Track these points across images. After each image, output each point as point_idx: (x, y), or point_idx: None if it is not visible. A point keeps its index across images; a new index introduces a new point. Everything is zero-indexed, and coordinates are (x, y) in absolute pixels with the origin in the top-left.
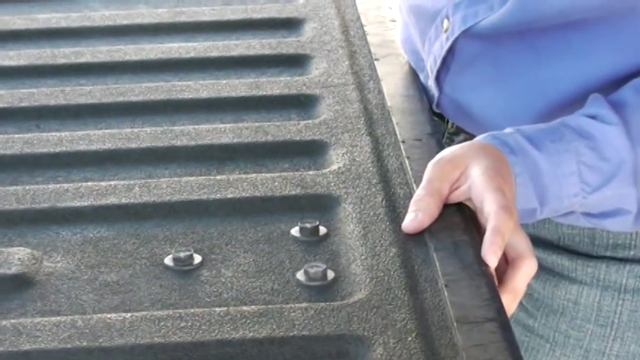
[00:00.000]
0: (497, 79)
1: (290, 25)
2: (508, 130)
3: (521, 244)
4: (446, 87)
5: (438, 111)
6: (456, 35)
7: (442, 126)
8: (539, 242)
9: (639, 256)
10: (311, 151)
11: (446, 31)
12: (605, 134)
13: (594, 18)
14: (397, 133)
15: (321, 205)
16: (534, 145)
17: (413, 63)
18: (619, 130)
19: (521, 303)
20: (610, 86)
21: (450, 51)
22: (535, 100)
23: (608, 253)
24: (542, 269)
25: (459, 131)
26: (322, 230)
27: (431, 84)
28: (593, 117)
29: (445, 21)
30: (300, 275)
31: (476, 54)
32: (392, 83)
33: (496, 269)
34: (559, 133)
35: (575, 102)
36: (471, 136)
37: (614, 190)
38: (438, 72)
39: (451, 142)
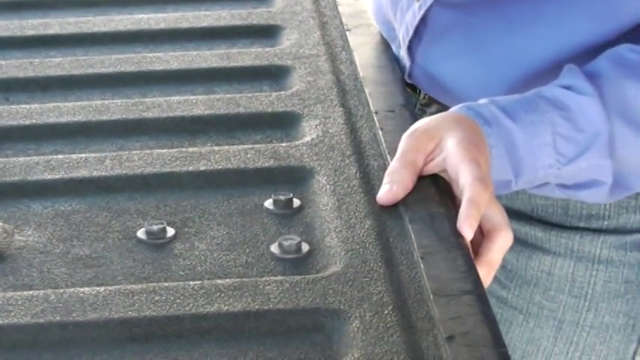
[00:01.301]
0: (470, 48)
1: None
2: (483, 101)
3: (497, 215)
4: (418, 57)
5: (410, 81)
6: (428, 4)
7: (414, 97)
8: (512, 213)
9: (613, 227)
10: (283, 123)
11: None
12: (581, 105)
13: None
14: (370, 104)
15: (294, 177)
16: (509, 116)
17: (385, 33)
18: (594, 100)
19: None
20: (585, 55)
21: (423, 20)
22: (508, 69)
23: (581, 224)
24: (516, 240)
25: (431, 102)
26: (296, 202)
27: (403, 54)
28: (568, 88)
29: None
30: (274, 248)
31: (449, 23)
32: (364, 54)
33: (472, 241)
34: (534, 104)
35: (549, 71)
36: (443, 107)
37: (589, 162)
38: (410, 42)
39: (423, 113)
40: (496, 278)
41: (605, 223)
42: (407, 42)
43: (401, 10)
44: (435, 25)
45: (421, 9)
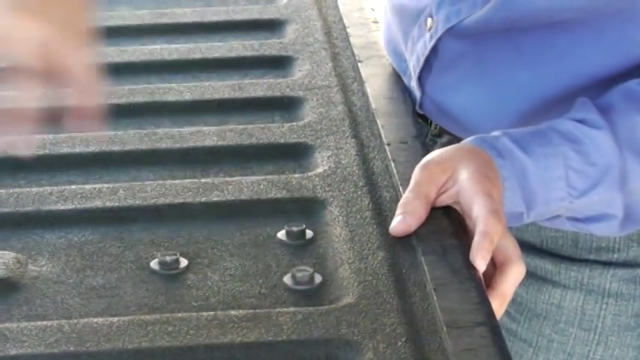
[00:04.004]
0: (480, 79)
1: (272, 26)
2: (496, 133)
3: (510, 248)
4: (428, 87)
5: (421, 112)
6: (439, 34)
7: (425, 127)
8: (522, 245)
9: (622, 260)
10: (296, 154)
11: (429, 29)
12: (593, 139)
13: (580, 19)
14: (382, 135)
15: (307, 208)
16: (522, 149)
17: (395, 64)
18: (606, 134)
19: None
20: (595, 87)
21: (434, 50)
22: (518, 100)
23: (591, 257)
24: (526, 273)
25: (442, 132)
26: (309, 234)
27: (413, 85)
28: (580, 121)
29: (429, 19)
30: (287, 279)
31: (459, 53)
32: (376, 85)
33: (484, 274)
34: (547, 137)
35: (559, 102)
36: (454, 138)
37: (600, 195)
38: (421, 72)
39: (434, 144)
40: (506, 311)
41: (615, 255)
42: (417, 72)
43: (412, 41)
44: (446, 55)
45: (432, 38)
